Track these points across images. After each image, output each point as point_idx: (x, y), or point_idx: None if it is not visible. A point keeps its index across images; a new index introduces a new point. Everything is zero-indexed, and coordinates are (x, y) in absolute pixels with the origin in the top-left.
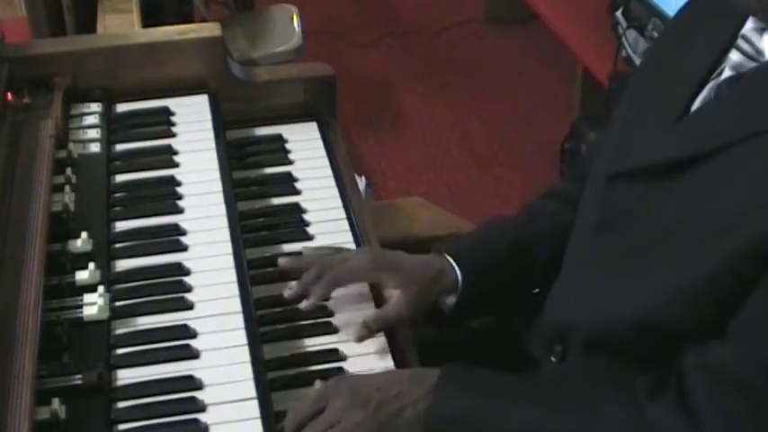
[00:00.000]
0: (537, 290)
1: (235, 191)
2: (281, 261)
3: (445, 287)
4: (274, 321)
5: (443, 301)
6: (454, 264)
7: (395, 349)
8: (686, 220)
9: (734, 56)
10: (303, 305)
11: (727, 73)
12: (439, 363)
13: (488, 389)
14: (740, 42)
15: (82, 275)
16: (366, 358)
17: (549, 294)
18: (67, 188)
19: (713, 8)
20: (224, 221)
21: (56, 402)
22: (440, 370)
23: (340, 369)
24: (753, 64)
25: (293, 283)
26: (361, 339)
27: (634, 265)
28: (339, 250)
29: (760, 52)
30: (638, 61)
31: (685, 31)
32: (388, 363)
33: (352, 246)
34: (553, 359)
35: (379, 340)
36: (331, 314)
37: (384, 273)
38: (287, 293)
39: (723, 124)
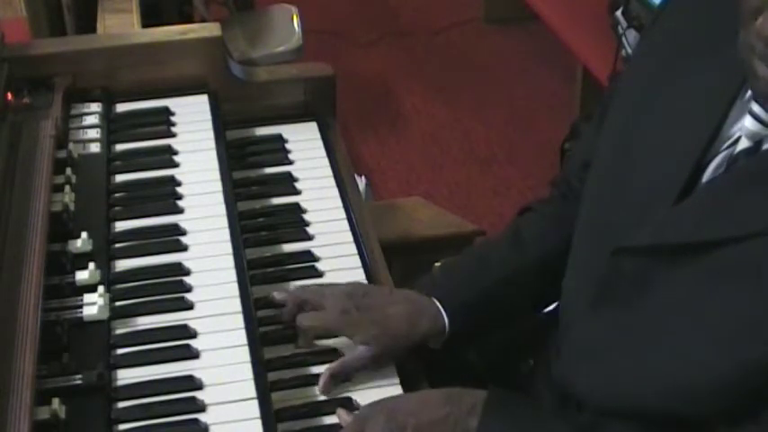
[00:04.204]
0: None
1: (235, 191)
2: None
3: (429, 333)
4: (274, 321)
5: (430, 341)
6: (441, 308)
7: None
8: (698, 308)
9: (749, 123)
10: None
11: (743, 143)
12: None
13: (532, 424)
14: (754, 108)
15: (82, 275)
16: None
17: (556, 353)
18: (67, 188)
19: (706, 33)
20: (224, 221)
21: (56, 402)
22: (485, 394)
23: None
24: None
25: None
26: (326, 390)
27: (642, 344)
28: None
29: None
30: None
31: (672, 61)
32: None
33: (353, 246)
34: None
35: None
36: None
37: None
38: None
39: (741, 211)
